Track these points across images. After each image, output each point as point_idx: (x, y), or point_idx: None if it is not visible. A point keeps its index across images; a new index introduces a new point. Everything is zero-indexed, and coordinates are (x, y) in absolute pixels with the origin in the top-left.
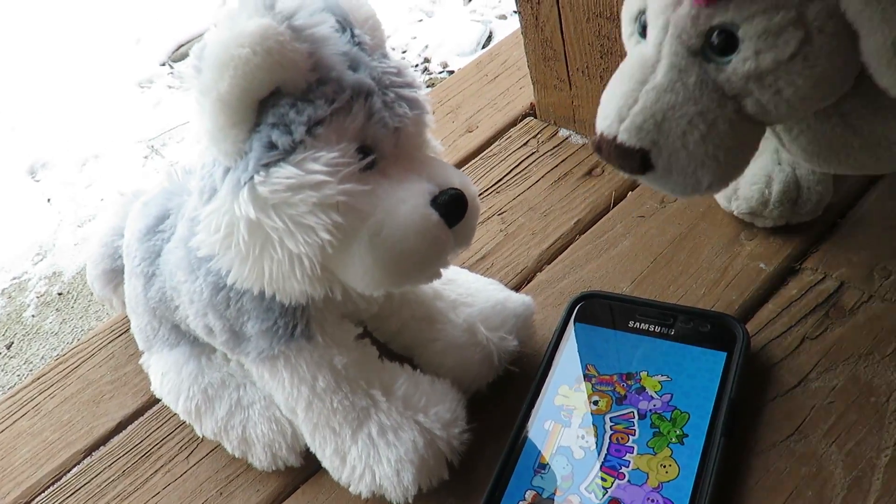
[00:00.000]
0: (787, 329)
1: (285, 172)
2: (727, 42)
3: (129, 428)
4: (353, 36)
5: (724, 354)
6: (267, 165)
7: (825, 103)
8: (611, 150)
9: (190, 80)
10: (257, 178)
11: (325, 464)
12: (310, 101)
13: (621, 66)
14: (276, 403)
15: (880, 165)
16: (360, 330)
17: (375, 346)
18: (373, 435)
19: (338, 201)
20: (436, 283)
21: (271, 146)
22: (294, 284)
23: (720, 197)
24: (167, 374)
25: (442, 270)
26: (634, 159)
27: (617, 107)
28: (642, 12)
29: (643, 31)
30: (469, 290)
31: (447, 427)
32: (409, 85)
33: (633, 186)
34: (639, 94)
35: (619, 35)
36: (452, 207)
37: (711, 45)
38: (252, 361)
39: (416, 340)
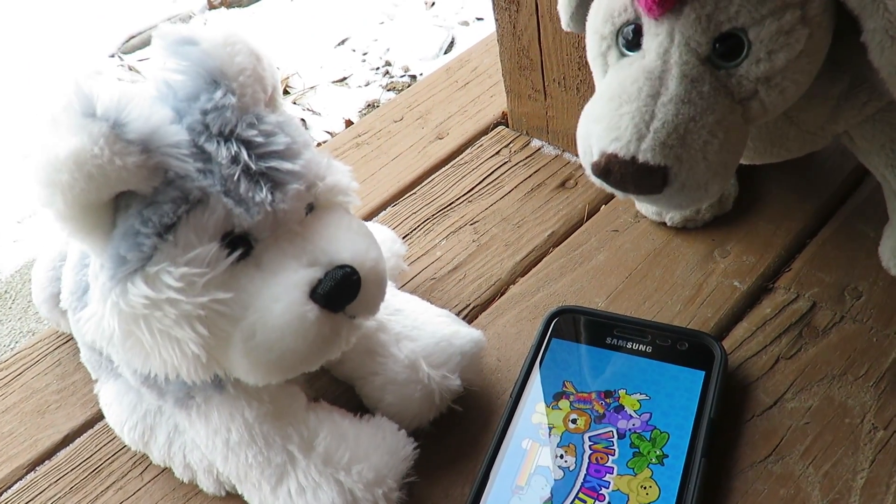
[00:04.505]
0: (763, 348)
1: (138, 291)
2: (734, 46)
3: (77, 441)
4: (224, 95)
5: (703, 373)
6: (124, 278)
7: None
8: (625, 172)
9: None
10: (114, 296)
11: None
12: (157, 204)
13: (610, 83)
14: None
15: (804, 149)
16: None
17: (303, 392)
18: (292, 493)
19: (198, 314)
20: (382, 314)
21: (122, 260)
22: (188, 379)
23: (651, 212)
24: (111, 406)
25: (370, 321)
26: (656, 178)
27: (632, 124)
28: (628, 23)
29: (628, 45)
30: (416, 322)
31: (370, 487)
32: (286, 156)
33: (606, 200)
34: (654, 108)
35: None
36: (335, 294)
37: (715, 50)
38: (171, 407)
39: (357, 372)
